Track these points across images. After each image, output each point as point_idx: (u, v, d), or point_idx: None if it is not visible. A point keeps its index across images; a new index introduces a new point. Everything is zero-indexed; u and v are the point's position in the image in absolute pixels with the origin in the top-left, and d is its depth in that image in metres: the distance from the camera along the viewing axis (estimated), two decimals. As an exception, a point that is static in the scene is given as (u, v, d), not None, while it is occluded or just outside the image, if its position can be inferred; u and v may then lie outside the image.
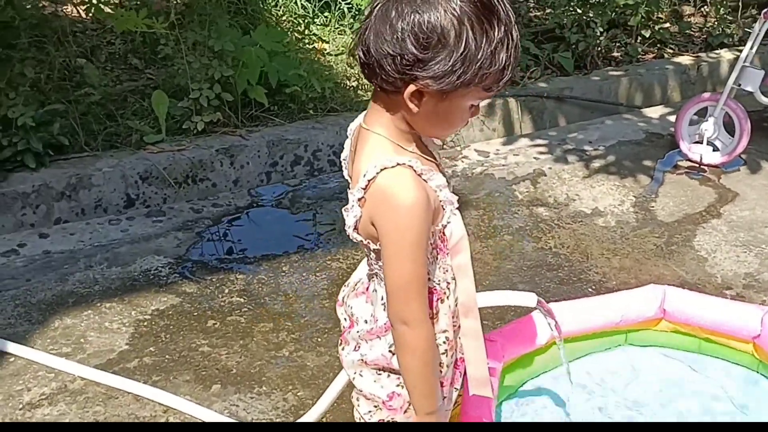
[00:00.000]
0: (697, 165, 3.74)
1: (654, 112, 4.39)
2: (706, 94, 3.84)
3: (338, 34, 4.38)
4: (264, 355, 2.46)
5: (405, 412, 1.53)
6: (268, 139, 3.52)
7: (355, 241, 1.44)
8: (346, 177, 1.54)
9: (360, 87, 3.98)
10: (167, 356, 2.41)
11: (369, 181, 1.36)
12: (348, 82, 4.00)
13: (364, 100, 3.90)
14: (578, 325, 2.34)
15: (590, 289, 2.84)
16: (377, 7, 1.36)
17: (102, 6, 3.24)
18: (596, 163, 3.75)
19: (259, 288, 2.76)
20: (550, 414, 2.18)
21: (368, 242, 1.41)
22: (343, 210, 1.44)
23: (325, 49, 4.13)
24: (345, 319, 1.60)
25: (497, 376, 2.11)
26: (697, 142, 3.75)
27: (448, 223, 1.44)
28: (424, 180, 1.39)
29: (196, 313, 2.61)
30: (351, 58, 4.05)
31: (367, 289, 1.55)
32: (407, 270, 1.37)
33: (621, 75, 4.49)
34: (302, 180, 3.50)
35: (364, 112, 1.50)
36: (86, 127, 3.37)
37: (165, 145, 3.39)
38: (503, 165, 3.70)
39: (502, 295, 2.05)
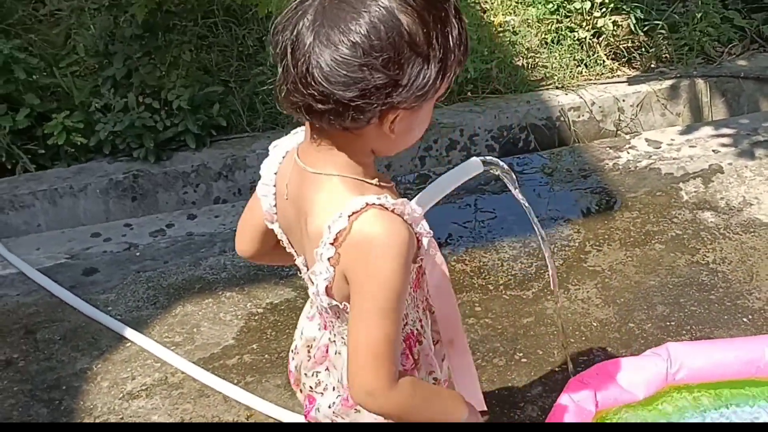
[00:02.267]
0: None
1: None
2: None
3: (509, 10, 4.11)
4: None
5: None
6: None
7: (325, 307, 1.29)
8: (271, 226, 1.36)
9: (528, 66, 3.72)
10: (266, 356, 2.44)
11: (338, 233, 1.19)
12: (515, 60, 3.75)
13: (531, 81, 3.66)
14: (701, 371, 2.06)
15: (745, 320, 2.48)
16: (306, 33, 1.12)
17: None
18: (791, 160, 3.25)
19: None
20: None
21: (344, 306, 1.26)
22: (306, 277, 1.31)
23: (495, 23, 3.89)
24: (305, 398, 1.48)
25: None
26: None
27: (422, 258, 1.28)
28: (398, 215, 1.21)
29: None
30: (526, 30, 3.80)
31: (327, 352, 1.40)
32: (385, 330, 1.19)
33: None
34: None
35: (280, 143, 1.33)
36: (251, 107, 3.46)
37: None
38: (674, 158, 3.30)
39: (446, 180, 1.65)
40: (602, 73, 3.77)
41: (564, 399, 1.96)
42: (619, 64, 3.82)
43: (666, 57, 3.84)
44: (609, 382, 1.99)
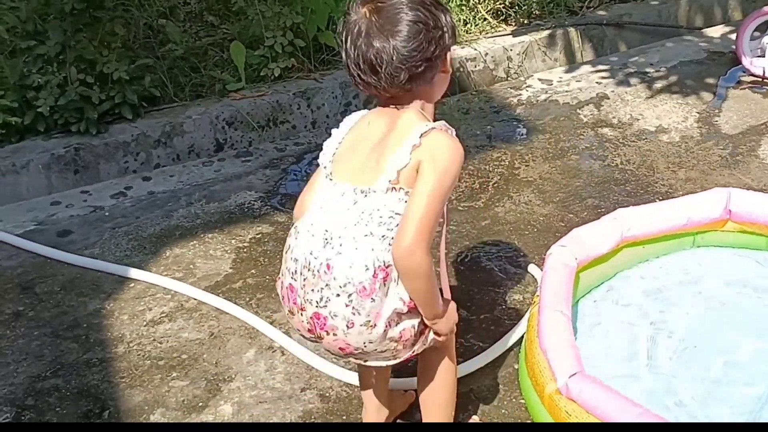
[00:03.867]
0: (761, 78, 3.80)
1: (714, 31, 4.43)
2: (767, 8, 3.88)
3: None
4: (355, 272, 2.68)
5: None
6: (340, 81, 3.71)
7: (383, 190, 1.61)
8: (324, 163, 1.72)
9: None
10: (267, 277, 2.66)
11: (422, 134, 1.61)
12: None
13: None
14: (647, 228, 2.50)
15: (658, 200, 2.98)
16: (371, 40, 1.59)
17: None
18: (658, 84, 3.85)
19: (345, 215, 2.98)
20: (630, 309, 2.34)
21: (406, 190, 1.61)
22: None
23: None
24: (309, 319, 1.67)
25: (572, 277, 2.29)
26: (759, 56, 3.81)
27: None
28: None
29: (289, 240, 2.85)
30: None
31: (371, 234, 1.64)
32: (435, 209, 1.60)
33: (680, -2, 4.53)
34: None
35: (346, 120, 1.77)
36: (174, 80, 3.62)
37: (246, 92, 3.61)
38: (566, 91, 3.82)
39: None
40: (485, 30, 4.25)
41: (551, 261, 2.33)
42: (497, 22, 4.31)
43: (536, 13, 4.38)
44: (581, 243, 2.39)
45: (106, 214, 3.01)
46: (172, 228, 2.92)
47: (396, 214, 1.62)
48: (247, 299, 2.56)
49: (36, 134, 3.30)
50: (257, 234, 2.88)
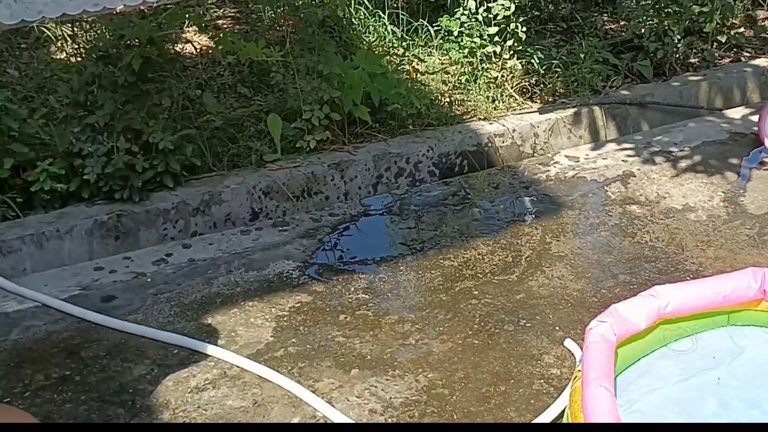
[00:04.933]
0: (783, 161, 3.90)
1: (735, 113, 4.55)
2: (788, 93, 4.00)
3: (427, 55, 4.67)
4: (393, 343, 2.73)
5: None
6: (373, 154, 3.82)
7: None
8: None
9: (453, 102, 4.25)
10: (308, 346, 2.71)
11: None
12: (442, 98, 4.27)
13: (458, 115, 4.18)
14: (684, 305, 2.56)
15: (689, 278, 3.04)
16: None
17: (229, 39, 3.59)
18: (683, 163, 3.94)
19: (381, 285, 3.05)
20: (669, 387, 2.38)
21: None
22: None
23: (420, 70, 4.42)
24: None
25: (613, 352, 2.34)
26: (781, 139, 3.92)
27: None
28: None
29: (327, 309, 2.91)
30: (447, 75, 4.36)
31: None
32: None
33: (700, 80, 4.66)
34: (406, 190, 3.78)
35: None
36: (212, 150, 3.73)
37: (282, 163, 3.72)
38: (593, 168, 3.92)
39: None
40: (512, 106, 4.37)
41: (591, 336, 2.38)
42: (523, 99, 4.44)
43: (560, 91, 4.51)
44: (620, 319, 2.45)
45: (149, 280, 3.08)
46: (213, 295, 2.98)
47: None
48: (289, 368, 2.60)
49: (79, 200, 3.40)
50: (296, 303, 2.94)
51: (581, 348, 2.49)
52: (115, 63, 3.31)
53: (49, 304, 2.89)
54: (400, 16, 4.74)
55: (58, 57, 4.13)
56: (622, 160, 3.99)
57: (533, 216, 3.52)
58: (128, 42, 3.29)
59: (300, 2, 4.44)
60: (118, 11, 3.21)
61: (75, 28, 4.25)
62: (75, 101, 3.42)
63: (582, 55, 4.56)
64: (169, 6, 3.49)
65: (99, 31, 3.44)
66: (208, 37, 3.95)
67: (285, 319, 2.85)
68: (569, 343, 2.69)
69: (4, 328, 2.77)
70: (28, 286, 3.02)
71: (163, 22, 3.51)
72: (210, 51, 4.51)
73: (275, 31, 4.11)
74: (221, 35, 3.68)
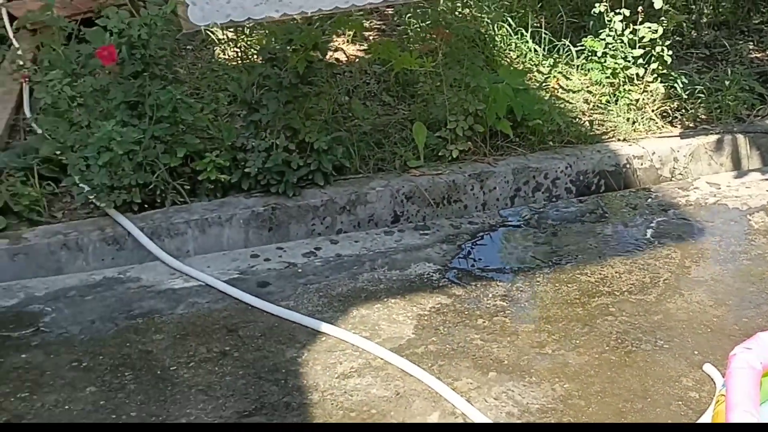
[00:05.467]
0: None
1: None
2: None
3: (569, 75, 4.73)
4: (530, 350, 2.83)
5: None
6: (512, 167, 3.92)
7: None
8: None
9: (594, 122, 4.30)
10: (447, 345, 2.84)
11: None
12: (582, 117, 4.33)
13: (597, 134, 4.23)
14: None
15: (838, 316, 3.00)
16: None
17: (385, 48, 3.77)
18: (830, 198, 3.87)
19: (518, 294, 3.15)
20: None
21: None
22: None
23: (562, 87, 4.49)
24: None
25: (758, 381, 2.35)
26: None
27: None
28: None
29: (466, 312, 3.03)
30: (588, 94, 4.42)
31: None
32: None
33: None
34: (543, 204, 3.86)
35: None
36: (359, 153, 3.92)
37: (425, 170, 3.87)
38: (736, 196, 3.89)
39: None
40: (651, 129, 4.38)
41: (736, 362, 2.41)
42: (663, 123, 4.44)
43: (702, 117, 4.48)
44: (766, 348, 2.46)
45: (299, 270, 3.28)
46: (358, 290, 3.16)
47: None
48: (429, 364, 2.74)
49: (239, 191, 3.64)
50: (437, 304, 3.07)
51: (721, 374, 2.52)
52: (281, 65, 3.54)
53: (211, 284, 3.13)
54: (543, 35, 4.83)
55: (221, 58, 4.43)
56: (767, 191, 3.94)
57: (672, 239, 3.53)
58: (295, 46, 3.51)
59: (449, 17, 4.59)
60: (296, 17, 3.43)
61: (236, 33, 4.55)
62: (242, 99, 3.67)
63: (727, 83, 4.53)
64: (334, 14, 3.70)
65: (266, 35, 3.67)
66: (357, 48, 4.15)
67: (425, 318, 2.99)
68: (709, 367, 2.71)
69: (171, 302, 3.03)
70: (191, 266, 3.27)
71: (327, 28, 3.72)
72: (357, 60, 4.73)
73: (425, 43, 4.27)
74: (376, 43, 3.85)
